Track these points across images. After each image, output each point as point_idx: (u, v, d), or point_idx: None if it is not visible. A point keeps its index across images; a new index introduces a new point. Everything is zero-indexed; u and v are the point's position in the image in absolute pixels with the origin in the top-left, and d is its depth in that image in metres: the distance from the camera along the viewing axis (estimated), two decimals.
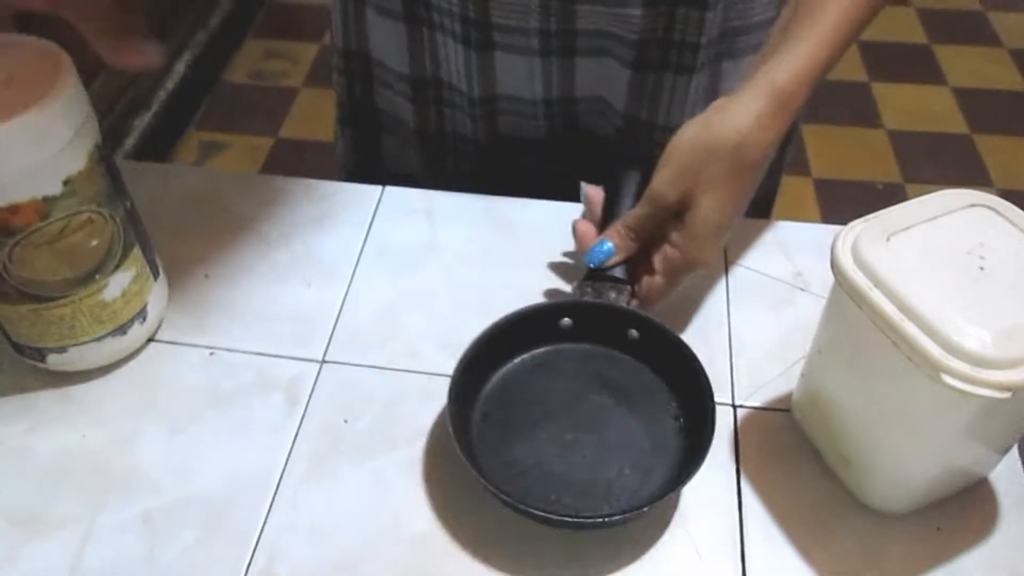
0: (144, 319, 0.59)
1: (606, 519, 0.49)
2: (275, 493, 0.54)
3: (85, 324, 0.56)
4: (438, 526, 0.52)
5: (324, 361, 0.61)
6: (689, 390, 0.56)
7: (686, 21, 0.68)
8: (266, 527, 0.52)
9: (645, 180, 0.61)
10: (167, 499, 0.53)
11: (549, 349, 0.59)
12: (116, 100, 2.00)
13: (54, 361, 0.57)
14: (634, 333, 0.58)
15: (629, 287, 0.60)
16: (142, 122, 2.08)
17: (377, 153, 0.87)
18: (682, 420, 0.56)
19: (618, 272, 0.60)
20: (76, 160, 0.51)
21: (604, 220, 0.62)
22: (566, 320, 0.59)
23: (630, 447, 0.54)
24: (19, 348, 0.58)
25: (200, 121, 2.29)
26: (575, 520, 0.51)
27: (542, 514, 0.49)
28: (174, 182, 0.74)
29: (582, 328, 0.59)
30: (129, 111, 2.05)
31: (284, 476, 0.55)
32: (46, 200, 0.50)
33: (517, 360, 0.58)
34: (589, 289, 0.60)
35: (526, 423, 0.55)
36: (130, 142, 2.03)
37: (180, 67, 2.22)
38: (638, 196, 0.60)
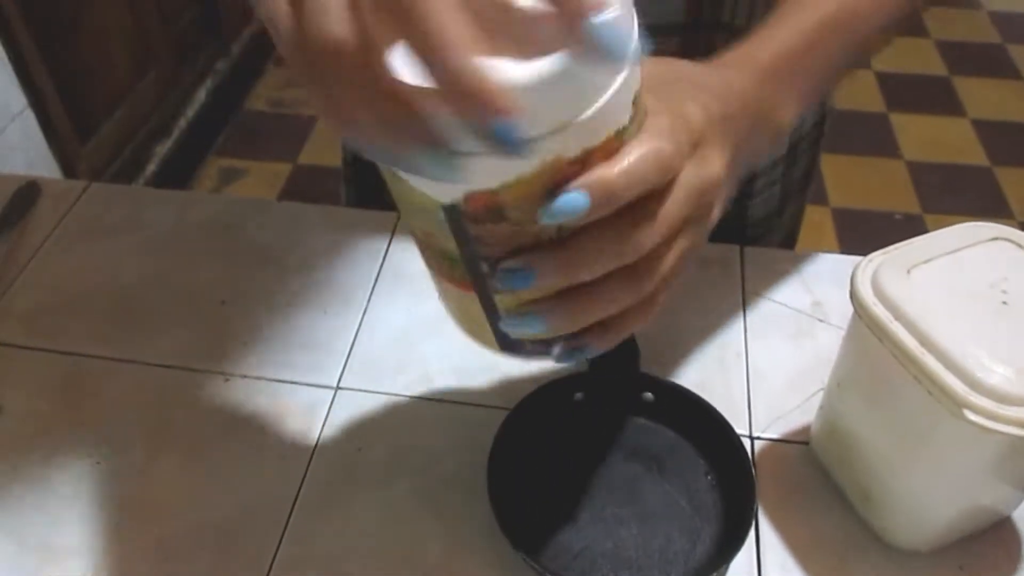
0: None
1: None
2: (287, 522, 0.53)
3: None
4: (452, 560, 0.52)
5: (339, 388, 0.61)
6: (715, 444, 0.55)
7: None
8: (278, 556, 0.52)
9: None
10: (179, 526, 0.53)
11: (567, 425, 0.58)
12: (139, 127, 2.02)
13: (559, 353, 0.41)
14: (649, 396, 0.58)
15: (636, 351, 0.58)
16: (163, 149, 2.10)
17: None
18: (712, 476, 0.55)
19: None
20: (634, 68, 0.33)
21: None
22: (579, 395, 0.58)
23: (671, 512, 0.54)
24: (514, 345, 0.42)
25: (220, 148, 2.31)
26: None
27: None
28: (192, 209, 0.75)
29: (596, 399, 0.58)
30: (150, 138, 2.07)
31: (297, 505, 0.54)
32: (619, 134, 0.34)
33: (539, 442, 0.57)
34: (598, 358, 0.58)
35: (564, 505, 0.54)
36: (151, 169, 2.06)
37: (201, 95, 2.25)
38: None
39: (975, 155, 2.30)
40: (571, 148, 0.32)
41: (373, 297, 0.67)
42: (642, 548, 0.52)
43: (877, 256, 0.47)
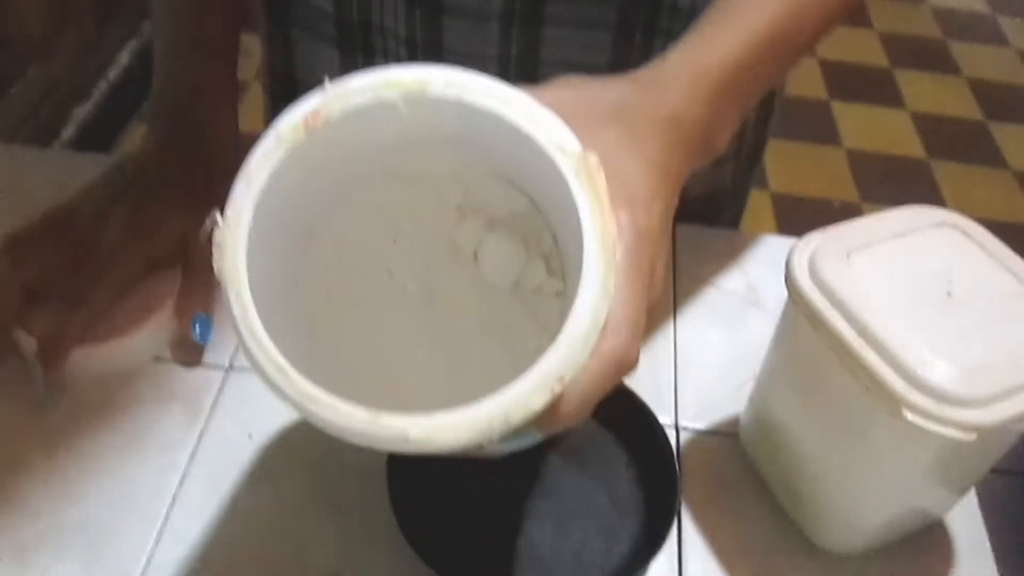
0: None
1: None
2: (165, 519, 0.48)
3: None
4: (347, 561, 0.47)
5: (230, 368, 0.55)
6: (637, 435, 0.52)
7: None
8: (153, 558, 0.47)
9: None
10: (41, 527, 0.47)
11: None
12: (53, 88, 1.92)
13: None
14: None
15: None
16: (81, 112, 2.00)
17: None
18: (633, 469, 0.51)
19: None
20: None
21: None
22: None
23: (589, 508, 0.50)
24: None
25: (144, 114, 2.21)
26: None
27: None
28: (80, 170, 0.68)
29: None
30: (68, 100, 1.97)
31: (176, 500, 0.49)
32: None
33: None
34: None
35: (472, 502, 0.50)
36: (68, 132, 1.95)
37: (124, 57, 2.15)
38: None
39: (913, 147, 2.32)
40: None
41: None
42: (555, 548, 0.48)
43: (815, 237, 0.44)
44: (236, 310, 0.31)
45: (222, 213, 0.32)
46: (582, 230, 0.31)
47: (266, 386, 0.32)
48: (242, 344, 0.32)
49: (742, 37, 0.43)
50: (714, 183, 0.74)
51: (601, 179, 0.32)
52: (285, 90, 0.73)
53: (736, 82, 0.42)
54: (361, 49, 0.65)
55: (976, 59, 2.64)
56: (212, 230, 0.32)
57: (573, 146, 0.32)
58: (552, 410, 0.32)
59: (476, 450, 0.34)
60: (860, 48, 2.66)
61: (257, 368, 0.31)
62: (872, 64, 2.60)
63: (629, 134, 0.38)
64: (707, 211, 0.74)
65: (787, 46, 0.46)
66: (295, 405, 0.31)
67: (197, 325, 0.54)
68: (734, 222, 0.82)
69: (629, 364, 0.34)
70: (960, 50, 2.68)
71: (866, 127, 2.37)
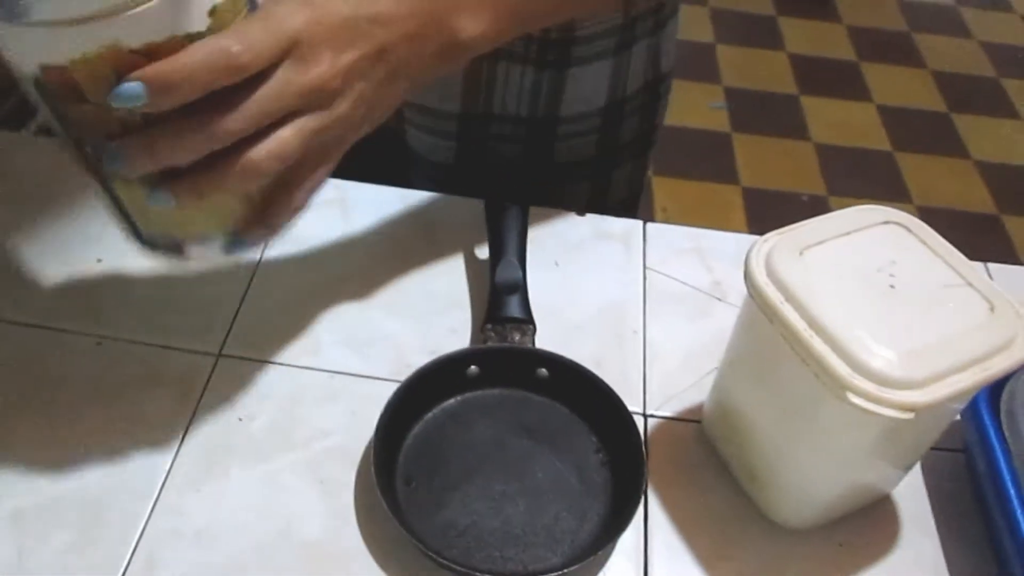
0: None
1: (564, 571, 0.47)
2: (159, 495, 0.51)
3: (237, 208, 0.46)
4: (332, 534, 0.50)
5: (221, 354, 0.58)
6: (607, 422, 0.55)
7: None
8: (146, 531, 0.49)
9: (525, 213, 0.63)
10: (39, 498, 0.50)
11: (459, 400, 0.56)
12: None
13: (196, 253, 0.48)
14: (544, 372, 0.57)
15: (532, 326, 0.59)
16: None
17: None
18: (603, 454, 0.54)
19: (520, 312, 0.59)
20: None
21: (492, 258, 0.61)
22: (473, 368, 0.57)
23: (560, 489, 0.53)
24: (152, 241, 0.47)
25: None
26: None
27: None
28: None
29: (490, 374, 0.57)
30: None
31: (169, 477, 0.51)
32: (189, 38, 0.39)
33: (428, 416, 0.55)
34: (492, 333, 0.58)
35: (452, 481, 0.52)
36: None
37: None
38: (522, 230, 0.62)
39: (879, 140, 2.37)
40: (131, 39, 0.37)
41: (263, 260, 0.64)
42: (529, 526, 0.51)
43: (772, 237, 0.47)
44: None
45: None
46: None
47: None
48: None
49: None
50: (571, 152, 0.78)
51: None
52: None
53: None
54: None
55: (940, 51, 2.70)
56: None
57: None
58: (161, 65, 0.37)
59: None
60: (828, 42, 2.70)
61: None
62: (840, 57, 2.65)
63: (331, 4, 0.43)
64: (560, 177, 0.79)
65: None
66: None
67: None
68: (615, 205, 0.84)
69: (234, 60, 0.38)
70: (925, 42, 2.73)
71: (834, 120, 2.41)
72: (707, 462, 0.55)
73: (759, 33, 2.71)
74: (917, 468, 0.56)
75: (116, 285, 0.61)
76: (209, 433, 0.54)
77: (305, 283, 0.63)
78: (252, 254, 0.64)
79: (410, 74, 0.47)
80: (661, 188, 2.15)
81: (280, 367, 0.58)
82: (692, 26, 2.70)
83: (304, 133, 0.42)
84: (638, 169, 0.83)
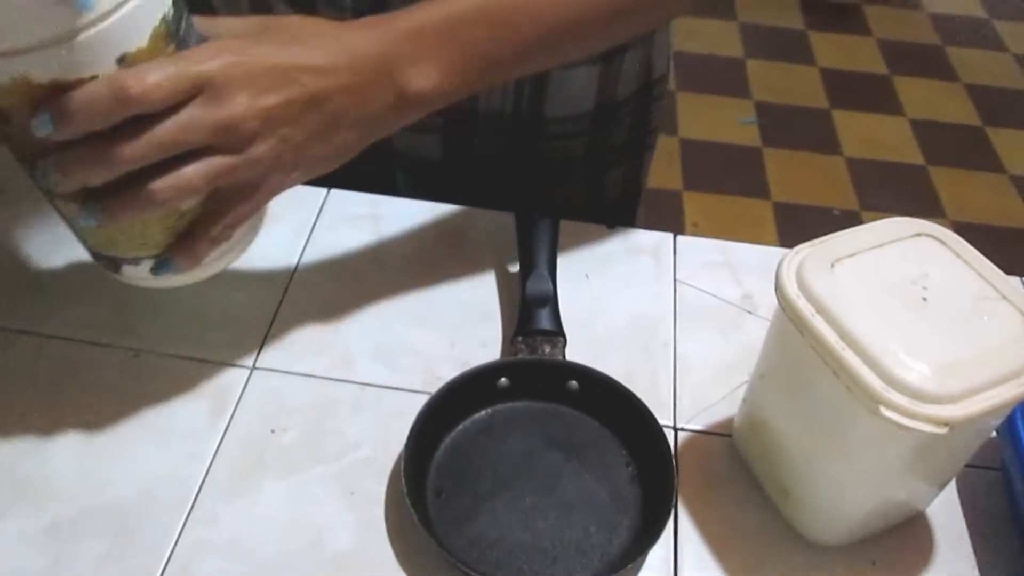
0: None
1: None
2: (192, 506, 0.51)
3: (160, 236, 0.49)
4: (362, 545, 0.50)
5: (255, 367, 0.59)
6: (638, 436, 0.55)
7: None
8: (180, 541, 0.50)
9: (556, 226, 0.63)
10: (76, 508, 0.51)
11: (490, 412, 0.57)
12: None
13: (129, 273, 0.51)
14: (574, 384, 0.57)
15: (563, 339, 0.59)
16: None
17: None
18: (633, 467, 0.54)
19: (550, 324, 0.59)
20: (134, 33, 0.42)
21: (523, 271, 0.62)
22: (503, 380, 0.57)
23: (591, 503, 0.53)
24: (94, 255, 0.52)
25: None
26: None
27: None
28: None
29: (520, 386, 0.57)
30: None
31: (203, 488, 0.52)
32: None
33: (459, 428, 0.56)
34: (522, 346, 0.58)
35: (482, 494, 0.53)
36: None
37: None
38: (553, 243, 0.62)
39: (911, 154, 2.34)
40: (40, 75, 0.40)
41: (296, 275, 0.65)
42: (559, 539, 0.51)
43: (803, 249, 0.47)
44: None
45: None
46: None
47: None
48: None
49: (460, 5, 0.50)
50: (560, 152, 0.78)
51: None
52: None
53: (444, 39, 0.49)
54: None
55: (973, 64, 2.67)
56: None
57: None
58: (63, 99, 0.41)
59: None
60: (859, 56, 2.68)
61: None
62: (871, 71, 2.63)
63: (312, 22, 0.48)
64: (550, 176, 0.79)
65: (514, 20, 0.51)
66: None
67: None
68: (610, 208, 0.85)
69: (131, 96, 0.41)
70: (957, 56, 2.70)
71: (866, 135, 2.39)
72: (738, 476, 0.55)
73: (789, 48, 2.70)
74: (952, 486, 0.55)
75: (152, 300, 0.62)
76: (242, 445, 0.54)
77: (337, 297, 0.63)
78: (286, 270, 0.65)
79: (356, 124, 0.49)
80: (692, 203, 2.15)
81: (312, 379, 0.58)
82: (722, 41, 2.70)
83: (210, 169, 0.44)
84: (632, 171, 0.83)
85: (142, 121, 0.42)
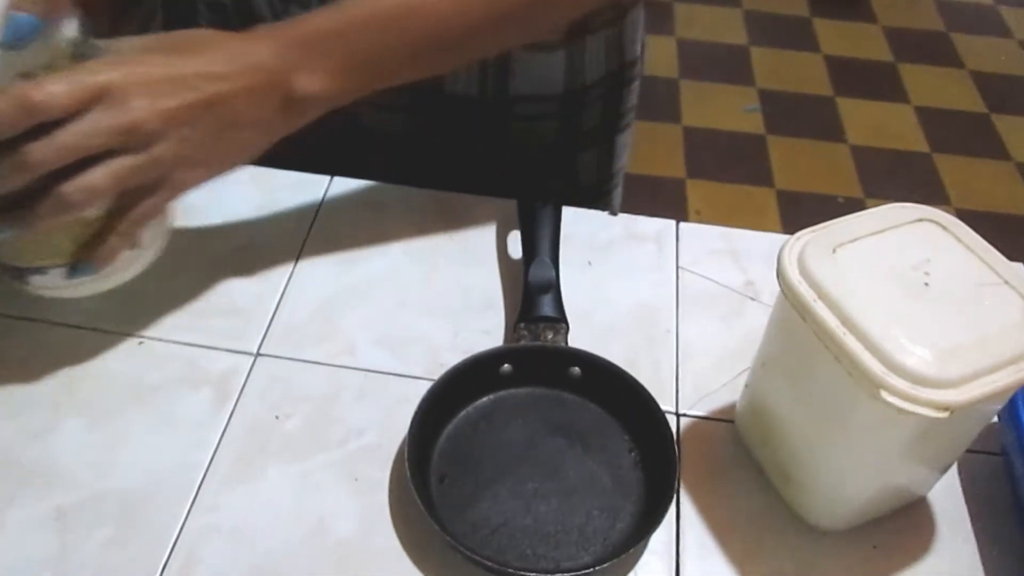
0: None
1: (596, 569, 0.48)
2: (197, 492, 0.52)
3: (66, 244, 0.52)
4: (366, 531, 0.51)
5: (258, 355, 0.59)
6: (640, 421, 0.55)
7: None
8: (185, 527, 0.50)
9: (558, 213, 0.63)
10: (82, 495, 0.51)
11: (492, 398, 0.57)
12: None
13: (37, 282, 0.54)
14: (576, 371, 0.57)
15: (565, 325, 0.59)
16: None
17: None
18: (636, 453, 0.55)
19: (553, 311, 0.59)
20: (36, 53, 0.47)
21: (526, 257, 0.62)
22: (506, 367, 0.57)
23: (593, 488, 0.53)
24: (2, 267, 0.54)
25: None
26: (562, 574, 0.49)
27: (529, 574, 0.48)
28: None
29: (523, 372, 0.57)
30: None
31: (207, 474, 0.52)
32: None
33: (462, 414, 0.56)
34: (525, 332, 0.58)
35: (485, 479, 0.53)
36: None
37: None
38: (555, 229, 0.62)
39: (916, 141, 2.34)
40: None
41: (299, 262, 0.65)
42: (561, 524, 0.51)
43: (804, 235, 0.47)
44: None
45: None
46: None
47: None
48: None
49: (354, 12, 0.53)
50: (529, 133, 0.78)
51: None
52: None
53: (334, 45, 0.53)
54: None
55: (979, 51, 2.65)
56: None
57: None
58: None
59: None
60: (864, 43, 2.67)
61: None
62: (877, 59, 2.62)
63: (209, 34, 0.52)
64: (516, 154, 0.79)
65: (403, 25, 0.55)
66: None
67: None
68: (581, 191, 0.85)
69: (30, 105, 0.44)
70: (963, 43, 2.69)
71: (871, 122, 2.39)
72: (740, 462, 0.55)
73: (793, 35, 2.68)
74: (953, 470, 0.55)
75: (157, 287, 0.62)
76: (246, 432, 0.55)
77: (340, 284, 0.64)
78: (289, 258, 0.65)
79: (252, 125, 0.52)
80: (695, 191, 2.15)
81: (316, 366, 0.58)
82: (725, 28, 2.69)
83: (116, 170, 0.47)
84: (605, 155, 0.83)
85: (48, 129, 0.45)
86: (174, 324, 0.60)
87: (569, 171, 0.82)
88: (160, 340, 0.59)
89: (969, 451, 0.52)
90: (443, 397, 0.54)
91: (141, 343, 0.59)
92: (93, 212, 0.51)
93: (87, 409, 0.55)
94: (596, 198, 0.85)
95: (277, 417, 0.55)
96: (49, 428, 0.54)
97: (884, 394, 0.40)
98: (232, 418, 0.55)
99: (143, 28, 0.81)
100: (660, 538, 0.51)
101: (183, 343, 0.59)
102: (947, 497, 0.54)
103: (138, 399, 0.56)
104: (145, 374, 0.57)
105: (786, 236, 0.48)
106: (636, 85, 0.81)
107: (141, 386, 0.56)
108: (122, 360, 0.58)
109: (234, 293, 0.62)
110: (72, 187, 0.46)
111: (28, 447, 0.53)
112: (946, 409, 0.40)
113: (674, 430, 0.56)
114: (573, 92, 0.75)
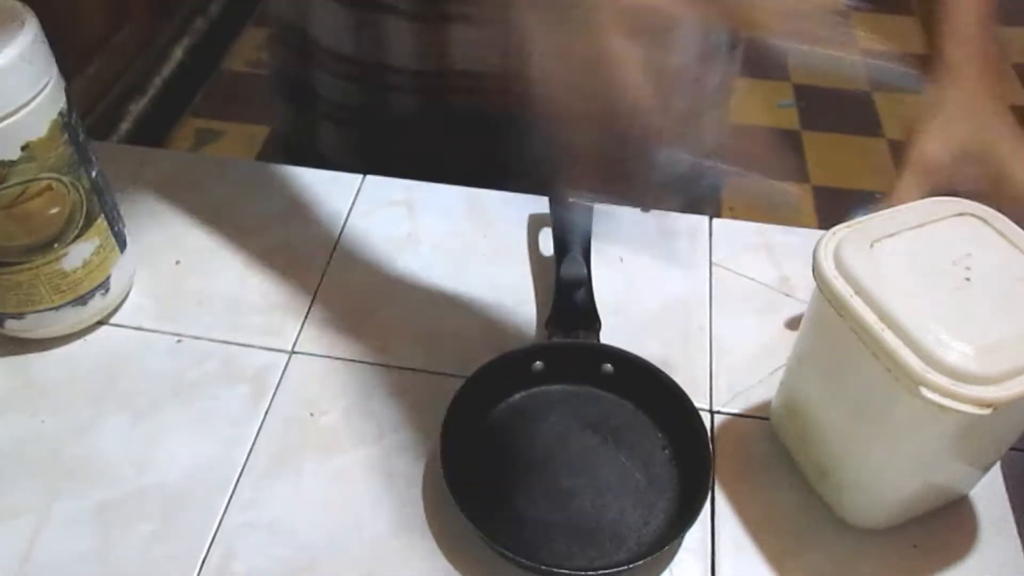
0: (107, 292, 0.58)
1: (630, 567, 0.47)
2: (234, 488, 0.52)
3: (44, 292, 0.55)
4: (400, 527, 0.51)
5: (293, 352, 0.59)
6: (673, 418, 0.55)
7: None
8: (223, 522, 0.51)
9: (590, 211, 0.62)
10: (123, 490, 0.52)
11: (525, 395, 0.57)
12: (111, 84, 1.98)
13: (12, 327, 0.57)
14: (609, 368, 0.57)
15: (597, 322, 0.59)
16: (138, 107, 2.07)
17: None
18: (669, 450, 0.54)
19: (585, 308, 0.59)
20: (36, 125, 0.50)
21: (557, 254, 0.61)
22: (538, 364, 0.57)
23: (626, 485, 0.53)
24: None
25: (197, 108, 2.27)
26: (597, 572, 0.49)
27: (566, 572, 0.48)
28: (152, 166, 0.73)
29: (555, 369, 0.57)
30: (124, 96, 2.03)
31: (245, 470, 0.53)
32: (2, 165, 0.49)
33: (495, 411, 0.56)
34: (557, 329, 0.58)
35: (518, 476, 0.53)
36: (125, 127, 2.02)
37: (178, 53, 2.21)
38: (587, 226, 0.61)
39: None
40: None
41: (333, 260, 0.66)
42: (595, 521, 0.51)
43: (841, 229, 0.46)
44: None
45: None
46: None
47: None
48: None
49: None
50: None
51: None
52: (296, 40, 0.77)
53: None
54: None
55: (1018, 43, 2.60)
56: None
57: None
58: None
59: None
60: (902, 36, 2.63)
61: None
62: (914, 52, 2.57)
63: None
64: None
65: None
66: None
67: None
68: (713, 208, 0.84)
69: None
70: (1005, 34, 2.64)
71: (908, 117, 2.35)
72: (775, 459, 0.55)
73: None
74: (996, 469, 0.54)
75: (194, 286, 0.63)
76: (282, 428, 0.55)
77: (373, 282, 0.64)
78: (323, 256, 0.66)
79: None
80: (728, 186, 2.12)
81: (350, 363, 0.59)
82: None
83: None
84: None
85: None
86: (211, 322, 0.61)
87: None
88: (198, 338, 0.60)
89: (1013, 449, 0.51)
90: (476, 394, 0.54)
91: (179, 341, 0.60)
92: (74, 264, 0.55)
93: (128, 406, 0.56)
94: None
95: (312, 414, 0.56)
96: (91, 425, 0.55)
97: (924, 391, 0.40)
98: (268, 415, 0.56)
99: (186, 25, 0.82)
100: (695, 536, 0.51)
101: (220, 341, 0.60)
102: (990, 496, 0.53)
103: (177, 396, 0.57)
104: (184, 372, 0.58)
105: (821, 232, 0.48)
106: None
107: (180, 383, 0.57)
108: (161, 358, 0.59)
109: (269, 292, 0.63)
110: None
111: (71, 443, 0.54)
112: (988, 406, 0.39)
113: (708, 427, 0.56)
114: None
